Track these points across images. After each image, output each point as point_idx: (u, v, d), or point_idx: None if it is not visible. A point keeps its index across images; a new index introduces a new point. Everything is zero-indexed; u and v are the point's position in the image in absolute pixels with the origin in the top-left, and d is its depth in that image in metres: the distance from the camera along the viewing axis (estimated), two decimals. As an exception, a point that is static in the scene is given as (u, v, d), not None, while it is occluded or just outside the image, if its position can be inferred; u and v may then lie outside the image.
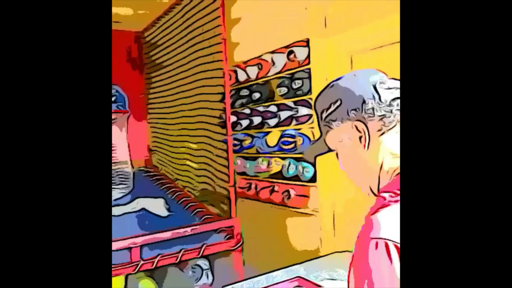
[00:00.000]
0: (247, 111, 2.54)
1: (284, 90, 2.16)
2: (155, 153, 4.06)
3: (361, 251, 0.69)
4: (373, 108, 0.77)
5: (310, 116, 2.00)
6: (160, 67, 3.76)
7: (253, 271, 1.86)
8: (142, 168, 3.92)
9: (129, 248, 2.18)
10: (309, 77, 2.00)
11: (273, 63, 2.27)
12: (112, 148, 3.65)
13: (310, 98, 1.98)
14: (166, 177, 3.69)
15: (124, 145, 3.61)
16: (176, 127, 3.48)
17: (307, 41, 2.00)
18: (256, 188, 2.43)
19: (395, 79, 0.81)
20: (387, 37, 1.56)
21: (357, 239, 0.72)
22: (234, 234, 2.52)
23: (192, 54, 3.11)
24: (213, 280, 2.57)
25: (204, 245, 2.40)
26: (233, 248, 2.50)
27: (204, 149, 3.01)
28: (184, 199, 3.11)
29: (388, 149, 0.78)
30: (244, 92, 2.56)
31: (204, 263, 2.63)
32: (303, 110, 2.04)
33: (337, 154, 0.87)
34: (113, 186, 3.27)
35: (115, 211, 2.93)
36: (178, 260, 2.29)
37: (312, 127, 2.00)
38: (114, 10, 3.31)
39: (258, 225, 2.41)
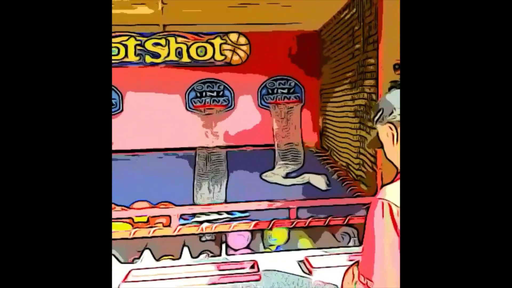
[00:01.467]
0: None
1: None
2: (324, 137, 4.65)
3: (370, 209, 1.08)
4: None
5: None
6: (332, 62, 4.28)
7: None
8: (312, 149, 4.58)
9: (289, 208, 2.85)
10: None
11: None
12: (289, 132, 4.45)
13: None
14: (332, 158, 4.25)
15: (297, 129, 4.35)
16: (340, 114, 3.96)
17: None
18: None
19: None
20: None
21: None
22: (377, 210, 2.87)
23: (356, 50, 3.51)
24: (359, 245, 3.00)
25: (349, 216, 2.86)
26: (375, 222, 2.86)
27: (360, 135, 3.41)
28: (342, 177, 3.61)
29: None
30: None
31: (352, 231, 3.09)
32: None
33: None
34: (286, 162, 4.05)
35: (286, 182, 3.70)
36: (326, 223, 2.83)
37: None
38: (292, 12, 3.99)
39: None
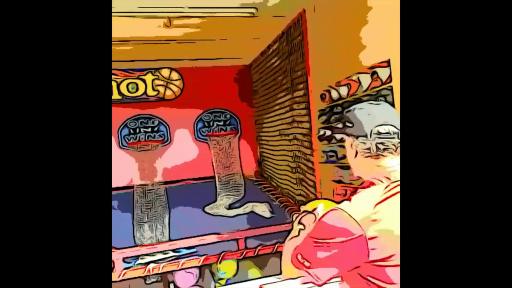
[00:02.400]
0: (340, 125, 2.96)
1: None
2: (263, 165, 4.77)
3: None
4: None
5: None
6: (263, 93, 4.47)
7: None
8: (252, 178, 4.66)
9: (237, 239, 2.85)
10: (392, 94, 2.27)
11: (360, 82, 2.67)
12: (228, 163, 4.50)
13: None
14: (272, 185, 4.35)
15: (236, 159, 4.42)
16: (277, 143, 4.12)
17: (388, 62, 2.28)
18: (351, 194, 2.81)
19: None
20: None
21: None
22: (321, 232, 2.99)
23: (285, 78, 3.72)
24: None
25: (296, 240, 2.94)
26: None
27: (297, 161, 3.57)
28: (284, 203, 3.72)
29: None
30: (337, 109, 3.00)
31: (298, 256, 3.16)
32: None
33: None
34: (227, 193, 4.07)
35: (230, 213, 3.70)
36: (274, 250, 2.88)
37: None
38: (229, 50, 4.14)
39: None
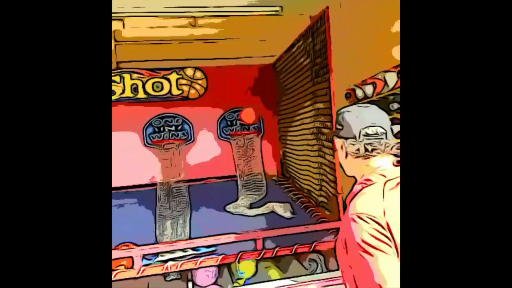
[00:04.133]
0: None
1: (396, 105, 2.46)
2: (285, 165, 4.72)
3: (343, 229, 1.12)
4: None
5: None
6: (287, 92, 4.42)
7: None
8: (274, 178, 4.62)
9: (255, 239, 2.82)
10: None
11: (385, 81, 2.60)
12: (250, 162, 4.48)
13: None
14: (294, 185, 4.30)
15: (258, 158, 4.39)
16: (299, 143, 4.06)
17: None
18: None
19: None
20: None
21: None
22: (341, 234, 2.92)
23: (308, 77, 3.66)
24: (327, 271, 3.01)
25: (315, 242, 2.88)
26: (340, 246, 2.90)
27: (320, 162, 3.50)
28: (305, 204, 3.66)
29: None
30: None
31: (319, 257, 3.10)
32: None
33: None
34: (249, 193, 4.05)
35: (250, 212, 3.68)
36: (293, 252, 2.83)
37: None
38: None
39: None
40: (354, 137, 1.21)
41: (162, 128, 4.65)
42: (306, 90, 3.77)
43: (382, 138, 1.19)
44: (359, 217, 1.05)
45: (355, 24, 2.91)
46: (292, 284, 2.26)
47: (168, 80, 4.69)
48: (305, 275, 2.79)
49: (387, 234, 0.99)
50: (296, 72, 4.08)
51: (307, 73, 3.73)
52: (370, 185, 1.15)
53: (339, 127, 1.27)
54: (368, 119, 1.22)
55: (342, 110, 1.30)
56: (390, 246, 0.97)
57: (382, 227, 1.00)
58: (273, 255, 2.81)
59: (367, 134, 1.19)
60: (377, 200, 1.07)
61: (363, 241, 1.00)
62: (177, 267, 2.66)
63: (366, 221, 1.03)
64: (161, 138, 4.62)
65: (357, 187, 1.18)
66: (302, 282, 2.21)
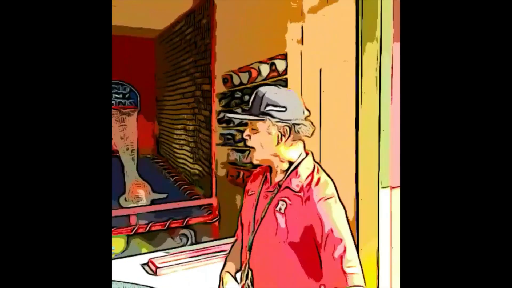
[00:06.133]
0: (239, 110, 3.06)
1: None
2: (161, 144, 4.74)
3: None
4: None
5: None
6: (167, 70, 4.41)
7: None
8: (149, 156, 4.60)
9: (128, 215, 2.84)
10: (286, 85, 2.42)
11: (259, 71, 2.81)
12: (125, 138, 4.35)
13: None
14: (169, 164, 4.36)
15: (134, 134, 4.32)
16: (177, 122, 4.13)
17: (285, 55, 2.46)
18: (243, 176, 2.99)
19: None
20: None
21: None
22: (212, 210, 3.14)
23: (190, 58, 3.74)
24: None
25: (188, 218, 3.04)
26: (211, 221, 3.12)
27: (195, 141, 3.65)
28: (179, 182, 3.78)
29: None
30: (237, 94, 3.10)
31: (190, 233, 3.27)
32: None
33: None
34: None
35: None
36: (166, 227, 2.94)
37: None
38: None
39: (236, 203, 2.99)
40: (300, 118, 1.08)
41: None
42: (187, 71, 3.84)
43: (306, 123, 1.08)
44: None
45: (239, 13, 3.06)
46: (164, 255, 2.36)
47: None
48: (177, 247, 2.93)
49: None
50: (177, 51, 4.10)
51: (188, 54, 3.80)
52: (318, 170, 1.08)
53: (282, 109, 1.07)
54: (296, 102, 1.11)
55: (270, 91, 1.11)
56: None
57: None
58: (146, 230, 2.87)
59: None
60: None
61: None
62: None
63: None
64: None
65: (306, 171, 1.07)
66: (173, 254, 2.33)
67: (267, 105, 1.09)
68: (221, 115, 3.33)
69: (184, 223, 3.01)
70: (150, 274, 1.96)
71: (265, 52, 2.67)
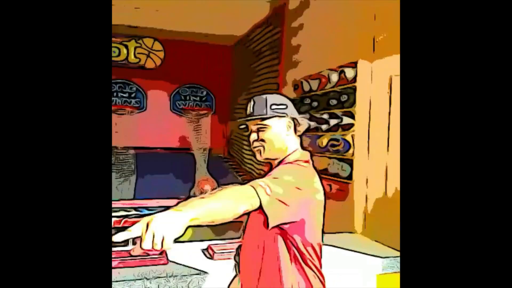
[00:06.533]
0: (307, 116, 3.10)
1: (334, 101, 2.65)
2: (231, 144, 4.99)
3: None
4: None
5: (352, 125, 2.46)
6: (242, 75, 4.64)
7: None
8: (220, 155, 4.88)
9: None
10: (354, 93, 2.46)
11: (329, 78, 2.80)
12: (199, 138, 4.68)
13: (353, 110, 2.46)
14: (238, 164, 4.58)
15: (208, 135, 4.63)
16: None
17: (355, 63, 2.46)
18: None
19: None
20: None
21: None
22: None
23: (262, 64, 3.91)
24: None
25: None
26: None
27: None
28: (246, 182, 3.95)
29: None
30: (306, 100, 3.08)
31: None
32: (347, 120, 2.48)
33: None
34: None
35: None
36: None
37: (353, 134, 2.44)
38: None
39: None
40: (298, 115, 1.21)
41: (114, 94, 4.69)
42: (259, 76, 4.03)
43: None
44: None
45: (312, 21, 3.13)
46: (221, 243, 2.50)
47: (126, 47, 4.71)
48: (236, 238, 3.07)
49: None
50: (252, 57, 4.30)
51: (261, 61, 3.98)
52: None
53: (284, 106, 1.18)
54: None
55: (268, 95, 1.21)
56: None
57: None
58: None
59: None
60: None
61: None
62: (120, 224, 2.82)
63: None
64: (114, 103, 4.66)
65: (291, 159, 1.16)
66: (231, 242, 2.45)
67: (272, 104, 1.19)
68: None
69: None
70: (207, 257, 2.12)
71: (335, 60, 2.68)
